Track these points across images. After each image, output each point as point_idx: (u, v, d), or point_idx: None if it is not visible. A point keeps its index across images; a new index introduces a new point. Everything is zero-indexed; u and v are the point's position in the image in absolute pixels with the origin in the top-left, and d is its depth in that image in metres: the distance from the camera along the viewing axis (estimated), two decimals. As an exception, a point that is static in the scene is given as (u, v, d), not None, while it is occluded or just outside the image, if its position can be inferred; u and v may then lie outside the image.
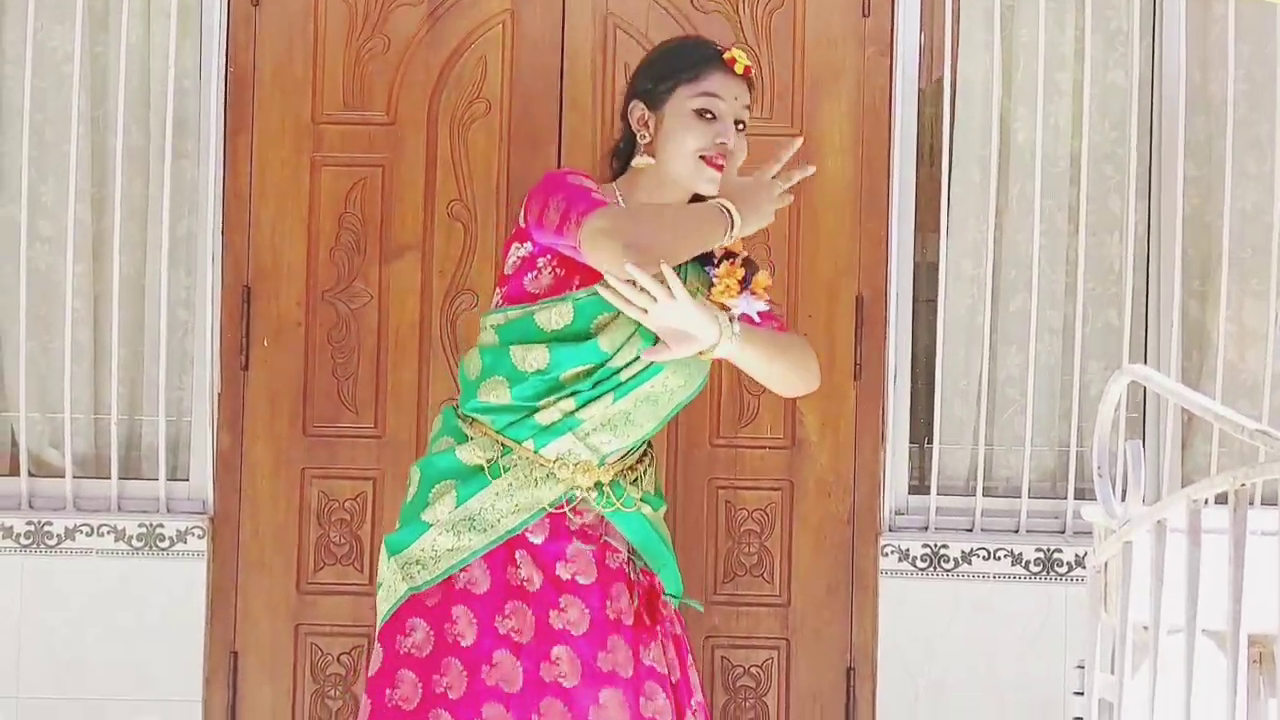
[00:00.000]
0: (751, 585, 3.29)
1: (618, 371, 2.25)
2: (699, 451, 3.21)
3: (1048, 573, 3.25)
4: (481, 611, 2.25)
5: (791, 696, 3.33)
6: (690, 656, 2.41)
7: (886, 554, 3.23)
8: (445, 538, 2.27)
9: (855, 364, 3.25)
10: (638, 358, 2.25)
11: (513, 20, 3.38)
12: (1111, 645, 2.21)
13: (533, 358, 2.26)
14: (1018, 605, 3.24)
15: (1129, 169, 3.27)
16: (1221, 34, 3.27)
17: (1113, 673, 2.17)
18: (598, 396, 2.24)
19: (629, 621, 2.29)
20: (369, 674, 2.32)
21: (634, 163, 2.32)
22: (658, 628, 2.34)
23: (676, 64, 2.31)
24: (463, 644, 2.23)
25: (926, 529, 3.29)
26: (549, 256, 2.26)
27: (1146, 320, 3.35)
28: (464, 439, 2.31)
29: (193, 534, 3.27)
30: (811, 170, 2.28)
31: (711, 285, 2.34)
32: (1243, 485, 1.69)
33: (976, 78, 3.35)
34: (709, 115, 2.23)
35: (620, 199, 2.31)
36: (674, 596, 2.35)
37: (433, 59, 3.37)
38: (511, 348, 2.27)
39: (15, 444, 3.38)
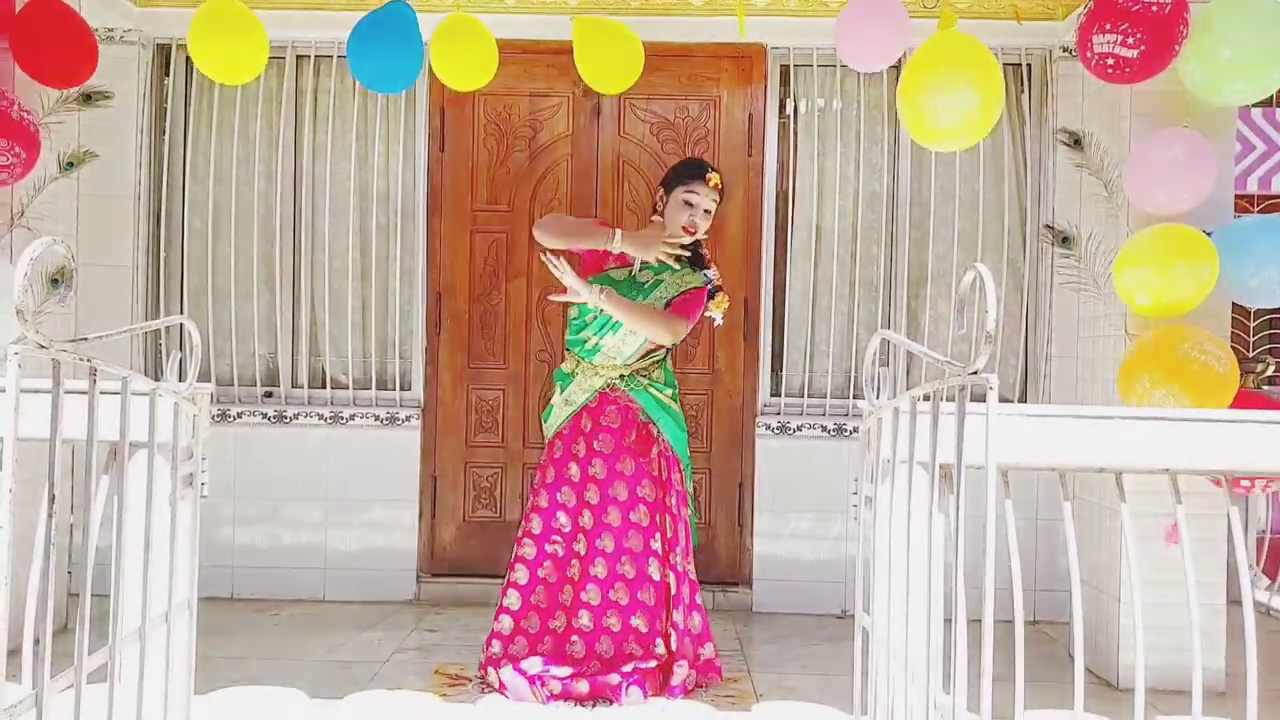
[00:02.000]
0: (693, 443, 4.46)
1: (610, 318, 3.16)
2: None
3: (839, 435, 4.47)
4: (565, 441, 3.29)
5: (713, 495, 4.46)
6: (676, 474, 3.23)
7: (760, 428, 4.46)
8: (559, 410, 3.34)
9: (744, 332, 4.52)
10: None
11: (570, 156, 4.53)
12: (873, 471, 2.48)
13: (572, 314, 3.33)
14: (824, 452, 4.44)
15: (882, 229, 4.51)
16: (928, 161, 4.43)
17: (870, 482, 2.46)
18: (606, 333, 3.20)
19: (632, 445, 3.19)
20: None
21: (653, 218, 3.30)
22: (653, 451, 3.21)
23: (679, 174, 3.31)
24: (555, 456, 3.32)
25: (779, 414, 4.51)
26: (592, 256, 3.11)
27: (890, 309, 4.55)
28: (563, 359, 3.38)
29: (413, 418, 4.56)
30: (689, 239, 3.02)
31: (669, 270, 3.09)
32: (938, 389, 1.92)
33: (806, 184, 4.54)
34: (689, 204, 3.22)
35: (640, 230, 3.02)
36: (665, 434, 3.19)
37: (531, 178, 4.64)
38: (571, 308, 3.31)
39: (324, 371, 4.61)
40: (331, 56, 4.59)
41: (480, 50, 3.65)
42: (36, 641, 1.81)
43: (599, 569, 3.12)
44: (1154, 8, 3.26)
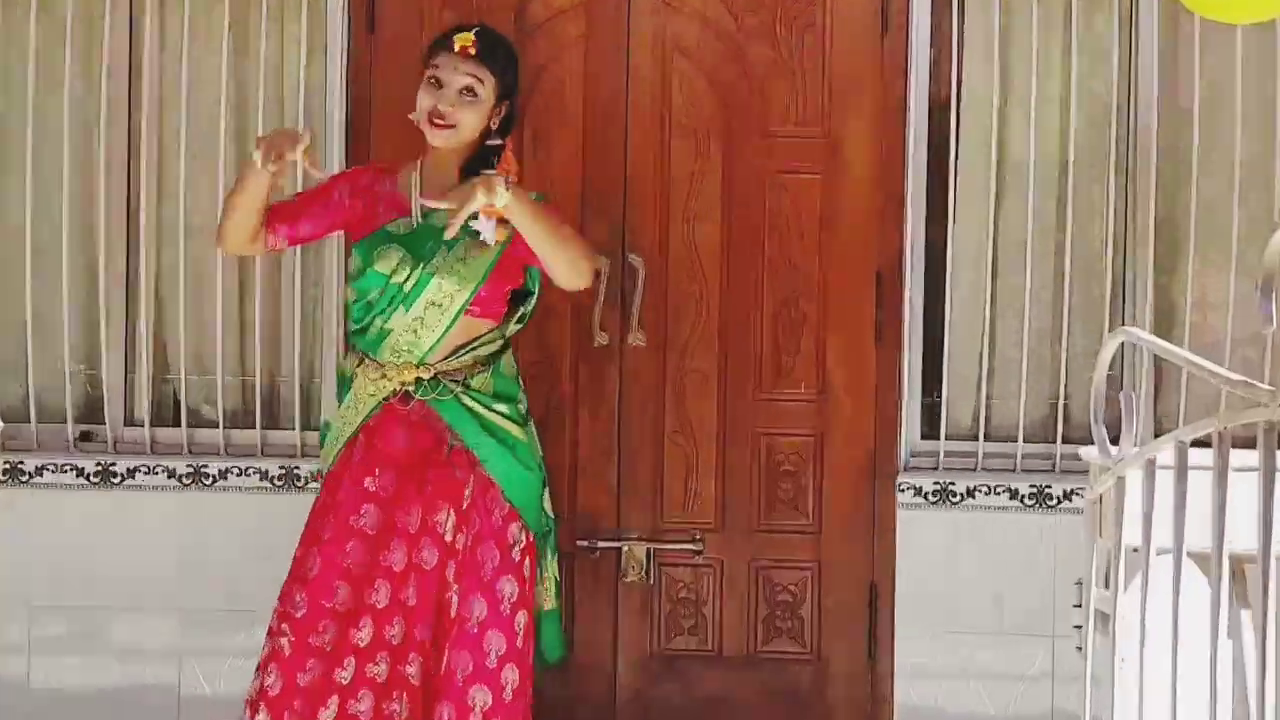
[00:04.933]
0: (789, 517, 3.70)
1: (401, 287, 2.92)
2: (744, 404, 3.59)
3: (1040, 505, 3.63)
4: (351, 477, 3.01)
5: (823, 610, 3.71)
6: (507, 527, 3.02)
7: (903, 490, 3.59)
8: (336, 430, 3.06)
9: (876, 329, 3.65)
10: (410, 274, 2.90)
11: (584, 41, 3.74)
12: (1106, 565, 2.44)
13: (348, 293, 3.06)
14: (1014, 533, 3.61)
15: (1108, 165, 3.63)
16: (1189, 48, 3.60)
17: (1107, 588, 2.39)
18: (395, 309, 2.94)
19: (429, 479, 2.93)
20: None
21: (409, 115, 3.01)
22: (464, 491, 2.97)
23: (429, 45, 3.03)
24: (334, 497, 3.00)
25: (936, 469, 3.67)
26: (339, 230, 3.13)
27: (1124, 292, 3.71)
28: (344, 356, 3.09)
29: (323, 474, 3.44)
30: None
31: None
32: (1225, 428, 1.81)
33: (978, 87, 3.69)
34: (436, 83, 2.93)
35: (416, 165, 3.01)
36: (492, 472, 2.95)
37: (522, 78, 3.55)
38: (346, 289, 3.08)
39: (177, 400, 3.85)
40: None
41: None
42: None
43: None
44: None
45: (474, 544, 2.99)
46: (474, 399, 3.02)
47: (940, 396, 3.77)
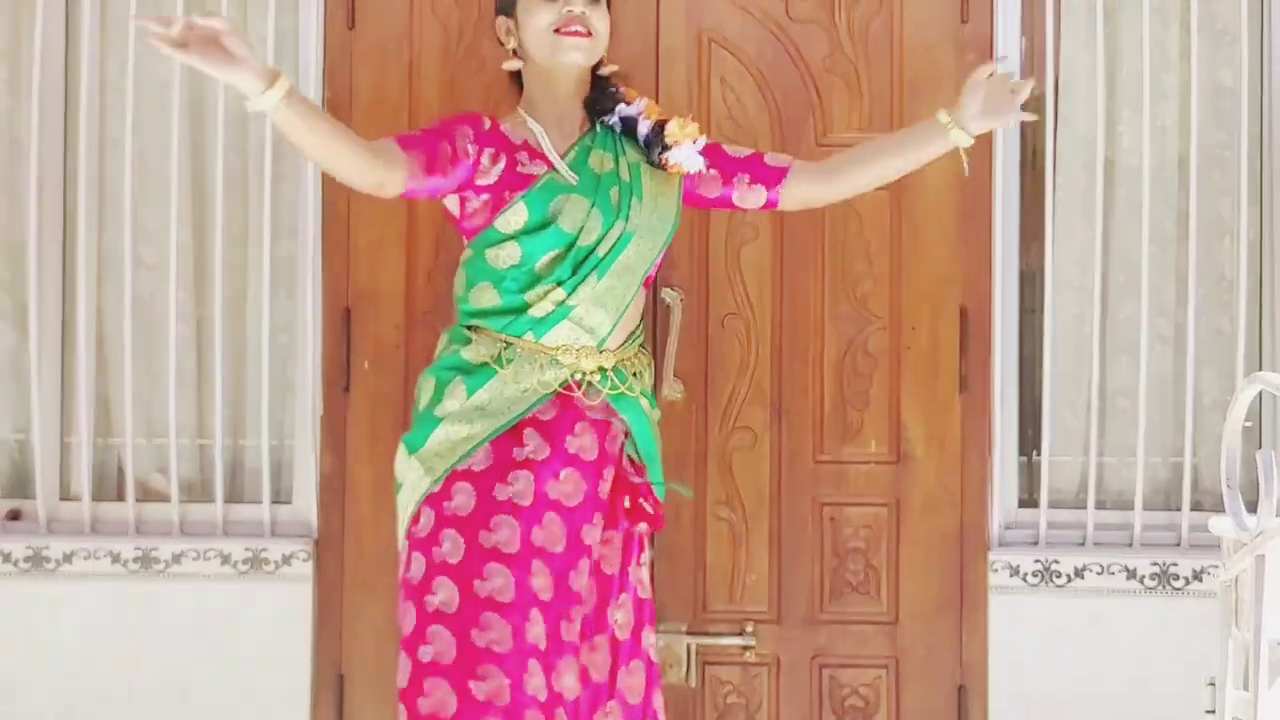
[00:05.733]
0: (858, 604, 3.47)
1: (593, 250, 2.64)
2: (802, 468, 3.37)
3: (1164, 587, 3.41)
4: (481, 484, 2.64)
5: (902, 717, 3.48)
6: (639, 553, 2.83)
7: (996, 570, 3.39)
8: (458, 427, 2.65)
9: (961, 376, 3.38)
10: (606, 234, 2.64)
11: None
12: (1245, 662, 2.28)
13: (505, 254, 2.66)
14: (1133, 621, 3.41)
15: (1239, 171, 3.39)
16: None
17: (1246, 690, 2.26)
18: (585, 279, 2.65)
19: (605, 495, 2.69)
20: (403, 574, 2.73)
21: (504, 65, 2.72)
22: (623, 523, 2.75)
23: None
24: (461, 515, 2.64)
25: (1037, 544, 3.46)
26: (467, 192, 2.68)
27: (1260, 326, 3.50)
28: (468, 341, 2.69)
29: (297, 557, 3.47)
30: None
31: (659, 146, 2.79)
32: None
33: (1079, 80, 3.49)
34: None
35: (523, 115, 2.71)
36: (658, 484, 2.75)
37: None
38: (486, 252, 2.68)
39: (121, 470, 3.59)
40: None
41: None
42: None
43: None
44: None
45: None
46: (647, 399, 2.84)
47: (1040, 456, 3.60)
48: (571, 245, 2.66)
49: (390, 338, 3.57)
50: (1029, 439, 3.57)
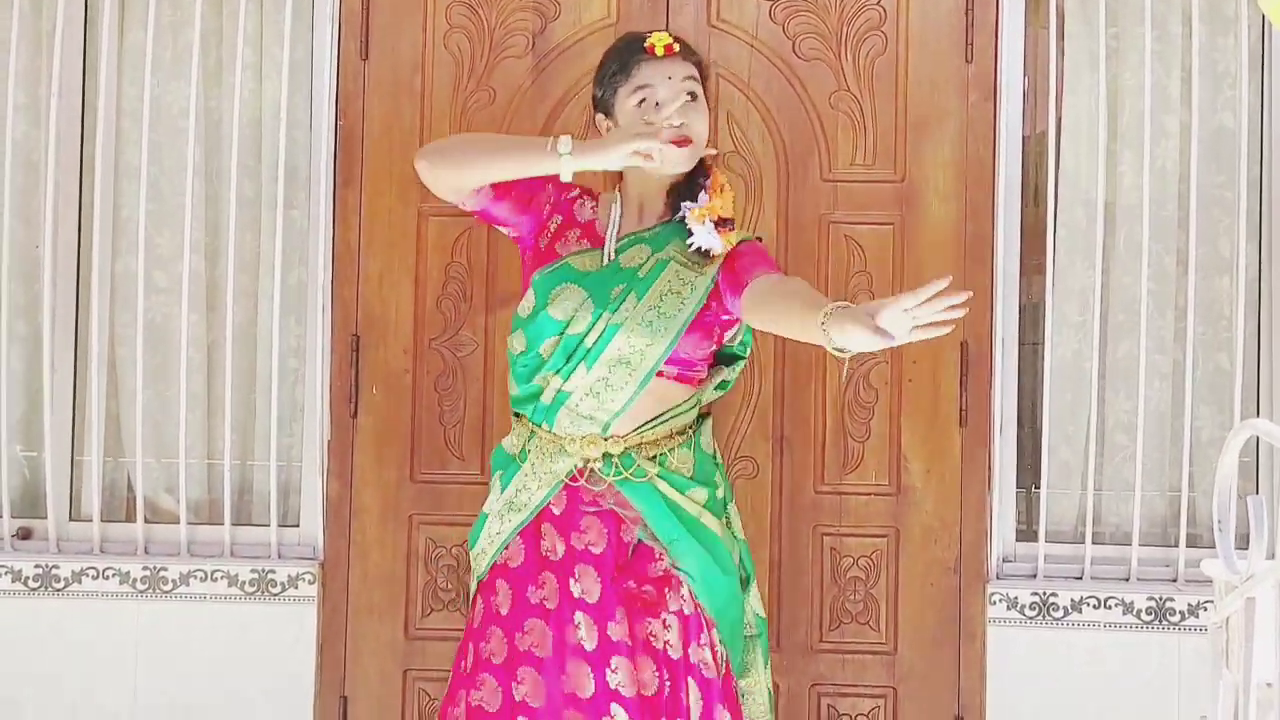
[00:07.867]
0: (857, 633, 3.48)
1: (581, 340, 2.64)
2: (803, 498, 3.37)
3: (1160, 622, 3.41)
4: (516, 583, 2.67)
5: (899, 706, 3.47)
6: (703, 634, 2.73)
7: (994, 602, 3.39)
8: (494, 523, 2.71)
9: (961, 410, 3.41)
10: (593, 325, 2.63)
11: None
12: (1235, 702, 2.27)
13: (515, 342, 2.72)
14: (1129, 655, 3.41)
15: (1238, 211, 3.41)
16: None
17: None
18: (575, 367, 2.64)
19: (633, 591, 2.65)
20: None
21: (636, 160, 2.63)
22: (664, 610, 2.67)
23: (609, 69, 2.72)
24: (501, 613, 2.67)
25: (1034, 577, 3.47)
26: (526, 250, 2.75)
27: (1259, 363, 3.51)
28: (512, 429, 2.75)
29: (303, 579, 3.50)
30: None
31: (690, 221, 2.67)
32: None
33: (1081, 120, 3.52)
34: (651, 102, 2.63)
35: (615, 196, 2.72)
36: (686, 573, 2.66)
37: (539, 109, 3.62)
38: (510, 338, 2.74)
39: (131, 490, 3.64)
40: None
41: None
42: None
43: None
44: None
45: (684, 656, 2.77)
46: (670, 482, 2.73)
47: (1038, 490, 3.63)
48: (562, 333, 2.69)
49: (398, 364, 3.64)
50: (1028, 472, 3.58)
